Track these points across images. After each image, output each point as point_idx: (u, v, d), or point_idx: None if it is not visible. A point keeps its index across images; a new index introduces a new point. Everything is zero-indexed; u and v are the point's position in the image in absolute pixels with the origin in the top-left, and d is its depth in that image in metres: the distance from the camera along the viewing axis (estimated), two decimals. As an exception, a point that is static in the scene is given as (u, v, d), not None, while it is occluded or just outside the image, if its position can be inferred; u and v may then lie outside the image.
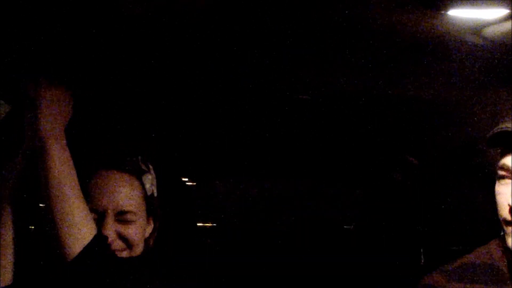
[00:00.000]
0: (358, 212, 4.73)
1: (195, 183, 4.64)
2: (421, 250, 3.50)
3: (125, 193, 1.69)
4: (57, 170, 1.53)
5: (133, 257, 1.69)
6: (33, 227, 1.67)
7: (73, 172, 1.56)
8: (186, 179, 4.29)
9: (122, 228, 1.67)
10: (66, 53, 1.82)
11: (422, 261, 3.47)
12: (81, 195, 1.55)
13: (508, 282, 1.48)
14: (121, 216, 1.67)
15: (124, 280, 1.57)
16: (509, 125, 1.41)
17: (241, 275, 4.10)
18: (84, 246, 1.51)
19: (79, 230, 1.51)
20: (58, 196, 1.52)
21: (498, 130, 1.42)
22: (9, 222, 1.64)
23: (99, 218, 1.64)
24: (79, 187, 1.56)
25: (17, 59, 1.76)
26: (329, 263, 4.24)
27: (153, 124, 2.86)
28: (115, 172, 1.70)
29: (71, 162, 1.56)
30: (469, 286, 1.50)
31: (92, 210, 1.61)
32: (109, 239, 1.63)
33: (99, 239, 1.55)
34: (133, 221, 1.69)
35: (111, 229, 1.64)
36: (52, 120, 1.56)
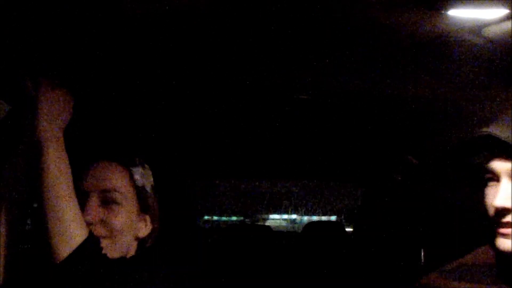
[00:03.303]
0: (358, 212, 4.73)
1: (195, 183, 4.64)
2: (421, 250, 3.50)
3: (110, 174, 1.70)
4: (52, 171, 1.53)
5: (127, 259, 1.68)
6: (31, 228, 1.67)
7: (69, 174, 1.55)
8: (186, 179, 4.29)
9: (106, 214, 1.66)
10: (66, 53, 1.82)
11: (422, 261, 3.47)
12: (75, 198, 1.55)
13: (505, 281, 1.49)
14: (106, 195, 1.66)
15: (117, 283, 1.56)
16: (488, 129, 1.43)
17: (240, 275, 4.10)
18: (73, 249, 1.50)
19: (69, 233, 1.51)
20: (50, 197, 1.52)
21: (480, 134, 1.44)
22: (8, 222, 1.64)
23: (83, 202, 1.63)
24: (73, 190, 1.55)
25: (17, 59, 1.76)
26: (328, 263, 4.24)
27: (153, 124, 2.86)
28: (104, 161, 1.71)
29: (67, 164, 1.56)
30: (468, 285, 1.50)
31: (77, 194, 1.60)
32: (91, 224, 1.62)
33: (90, 242, 1.54)
34: (119, 204, 1.68)
35: (93, 213, 1.64)
36: (51, 121, 1.57)
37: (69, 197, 1.54)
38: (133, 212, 1.71)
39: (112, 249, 1.64)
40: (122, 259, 1.66)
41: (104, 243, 1.63)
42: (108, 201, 1.67)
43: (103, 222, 1.65)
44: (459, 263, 1.56)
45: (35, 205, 1.55)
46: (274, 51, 2.00)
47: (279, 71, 2.24)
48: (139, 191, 1.73)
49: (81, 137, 1.70)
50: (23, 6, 1.58)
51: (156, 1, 1.64)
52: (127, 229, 1.70)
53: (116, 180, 1.70)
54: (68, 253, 1.50)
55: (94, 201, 1.66)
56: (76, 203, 1.55)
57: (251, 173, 4.70)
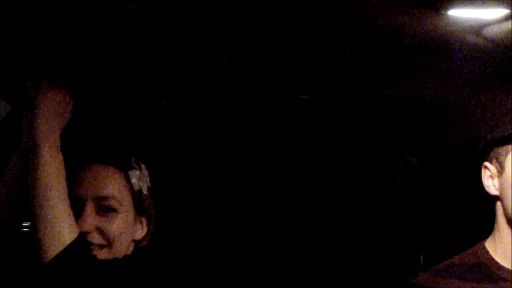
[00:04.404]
0: (358, 212, 4.71)
1: (193, 184, 4.63)
2: (421, 252, 3.49)
3: (106, 181, 1.68)
4: (45, 171, 1.53)
5: (118, 260, 1.67)
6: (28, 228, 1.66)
7: (62, 175, 1.55)
8: (184, 179, 4.28)
9: (102, 222, 1.64)
10: (66, 53, 1.82)
11: (422, 262, 3.46)
12: (67, 199, 1.55)
13: (496, 280, 1.49)
14: (102, 202, 1.65)
15: (109, 284, 1.56)
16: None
17: (239, 274, 4.09)
18: (61, 248, 1.50)
19: (58, 232, 1.51)
20: (42, 197, 1.52)
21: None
22: (7, 222, 1.64)
23: (79, 210, 1.62)
24: (65, 190, 1.55)
25: (17, 59, 1.76)
26: (328, 263, 4.23)
27: (153, 124, 2.85)
28: (99, 164, 1.69)
29: (61, 165, 1.56)
30: (456, 282, 1.51)
31: (73, 200, 1.58)
32: (87, 232, 1.61)
33: (79, 243, 1.54)
34: (116, 210, 1.66)
35: (89, 221, 1.62)
36: (49, 121, 1.56)
37: (60, 197, 1.53)
38: (129, 216, 1.70)
39: (110, 256, 1.64)
40: (115, 259, 1.65)
41: (102, 251, 1.62)
42: (104, 208, 1.66)
43: (99, 230, 1.64)
44: (448, 263, 1.57)
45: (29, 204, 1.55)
46: (275, 51, 2.00)
47: (279, 71, 2.24)
48: (136, 195, 1.72)
49: (77, 139, 1.70)
50: (23, 6, 1.57)
51: (156, 1, 1.64)
52: (124, 235, 1.69)
53: (113, 186, 1.68)
54: (57, 253, 1.50)
55: (89, 209, 1.64)
56: (67, 203, 1.54)
57: (249, 174, 4.68)
